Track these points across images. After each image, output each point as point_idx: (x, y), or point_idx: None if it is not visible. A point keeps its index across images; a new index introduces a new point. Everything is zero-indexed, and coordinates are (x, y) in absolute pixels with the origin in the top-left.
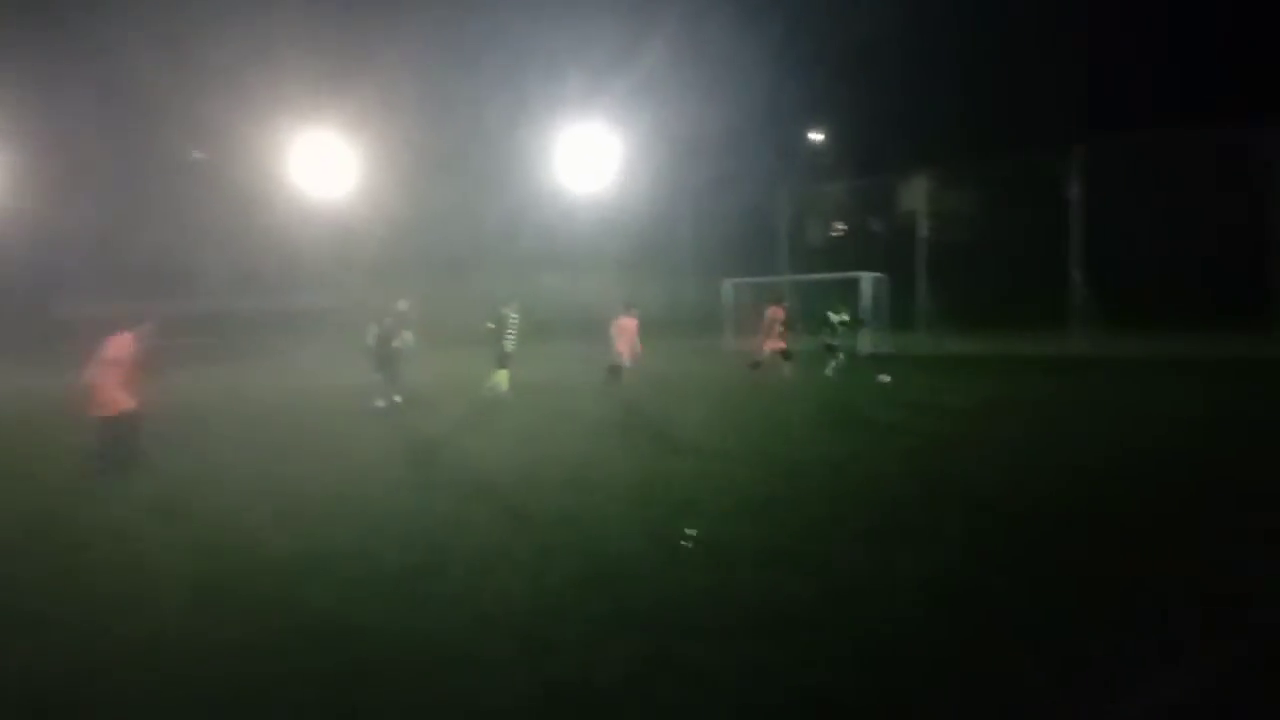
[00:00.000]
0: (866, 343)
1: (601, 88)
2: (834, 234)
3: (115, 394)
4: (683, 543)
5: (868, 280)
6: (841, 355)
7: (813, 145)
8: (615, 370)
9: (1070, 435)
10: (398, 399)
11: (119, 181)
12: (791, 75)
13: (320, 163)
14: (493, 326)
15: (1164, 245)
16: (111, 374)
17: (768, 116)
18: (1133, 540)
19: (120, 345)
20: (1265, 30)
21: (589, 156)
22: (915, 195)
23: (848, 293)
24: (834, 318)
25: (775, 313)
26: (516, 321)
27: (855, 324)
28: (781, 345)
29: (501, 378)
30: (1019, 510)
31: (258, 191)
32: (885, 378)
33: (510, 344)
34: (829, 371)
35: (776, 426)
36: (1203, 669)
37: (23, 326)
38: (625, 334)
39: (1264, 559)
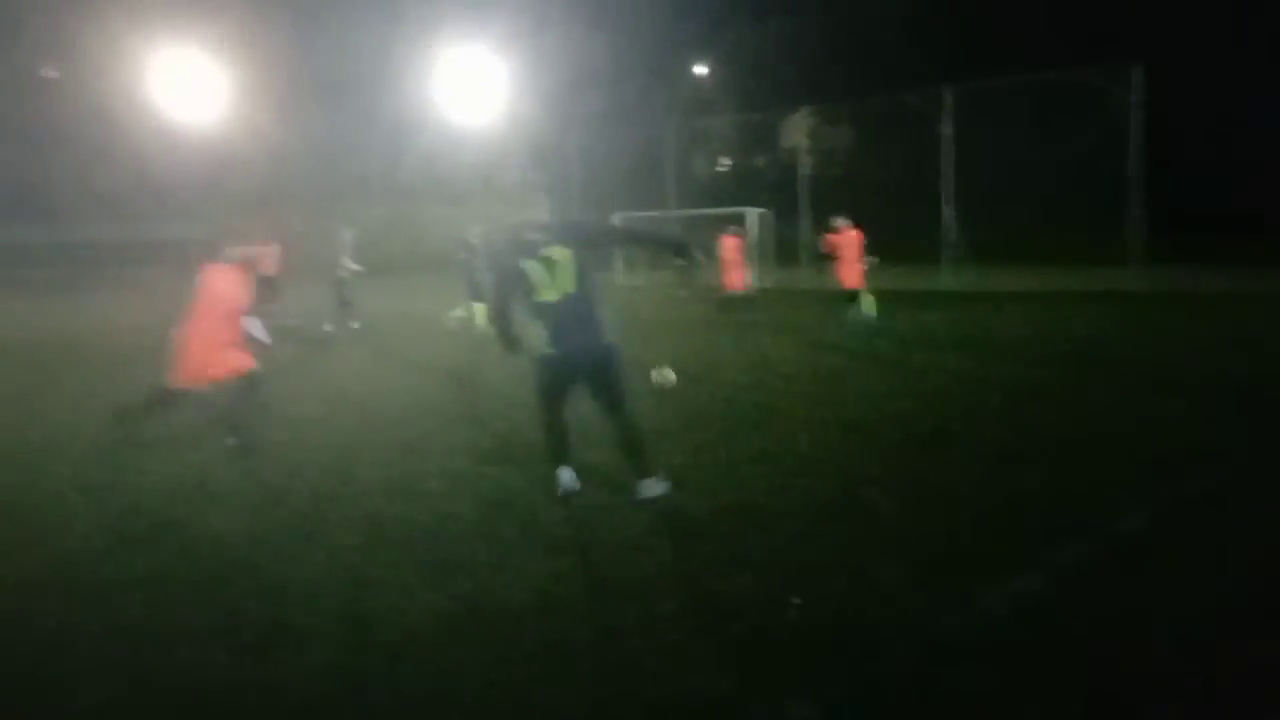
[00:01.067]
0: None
1: (486, 14)
2: (720, 169)
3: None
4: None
5: (753, 216)
6: None
7: (699, 79)
8: (728, 299)
9: (929, 367)
10: (334, 327)
11: None
12: (678, 7)
13: (186, 84)
14: (464, 257)
15: (1031, 182)
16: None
17: (655, 49)
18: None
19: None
20: None
21: (474, 85)
22: (797, 131)
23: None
24: None
25: (732, 242)
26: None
27: None
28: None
29: (481, 312)
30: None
31: (117, 113)
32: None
33: (480, 273)
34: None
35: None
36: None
37: None
38: (731, 256)
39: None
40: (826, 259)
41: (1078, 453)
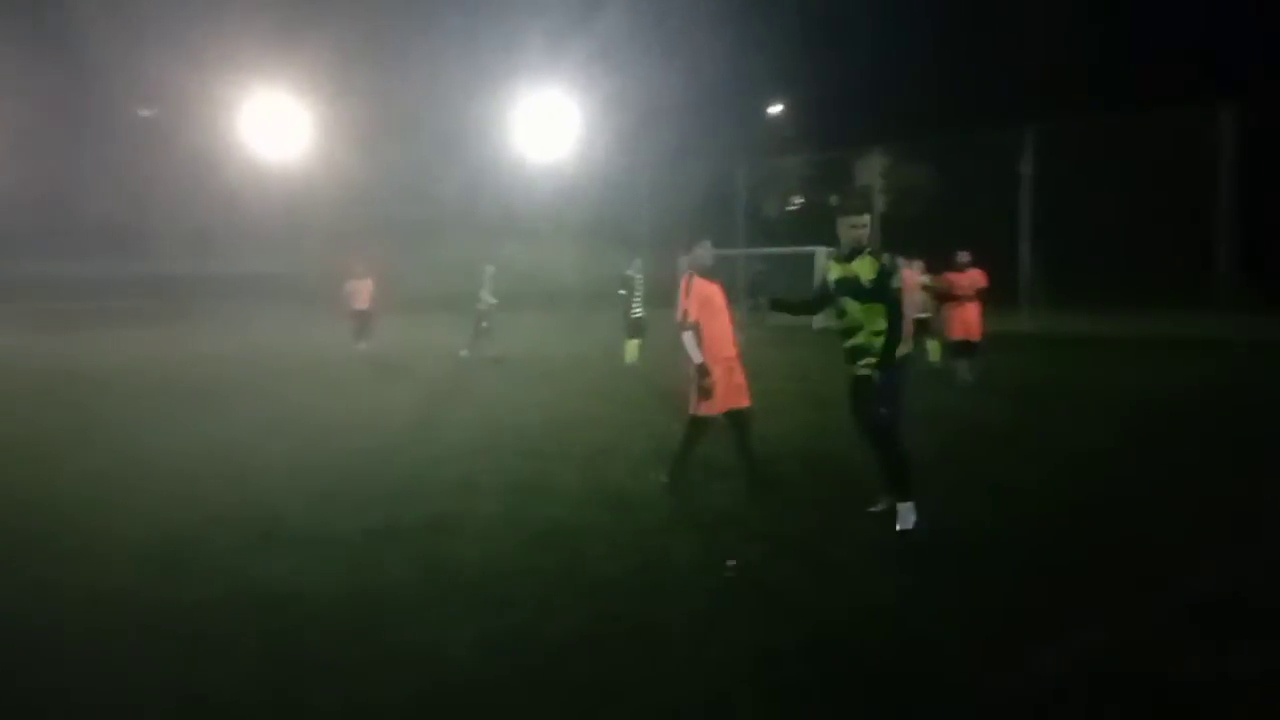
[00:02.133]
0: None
1: (560, 54)
2: (791, 207)
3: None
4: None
5: (822, 255)
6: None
7: (772, 118)
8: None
9: (999, 415)
10: (465, 354)
11: (64, 140)
12: (752, 46)
13: (272, 123)
14: (623, 293)
15: (1113, 224)
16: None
17: (728, 88)
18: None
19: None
20: (1210, 14)
21: (548, 124)
22: (871, 170)
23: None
24: None
25: (977, 274)
26: (642, 284)
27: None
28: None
29: (631, 348)
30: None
31: (208, 151)
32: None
33: (638, 310)
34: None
35: None
36: None
37: None
38: (971, 294)
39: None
40: (942, 300)
41: (1159, 509)
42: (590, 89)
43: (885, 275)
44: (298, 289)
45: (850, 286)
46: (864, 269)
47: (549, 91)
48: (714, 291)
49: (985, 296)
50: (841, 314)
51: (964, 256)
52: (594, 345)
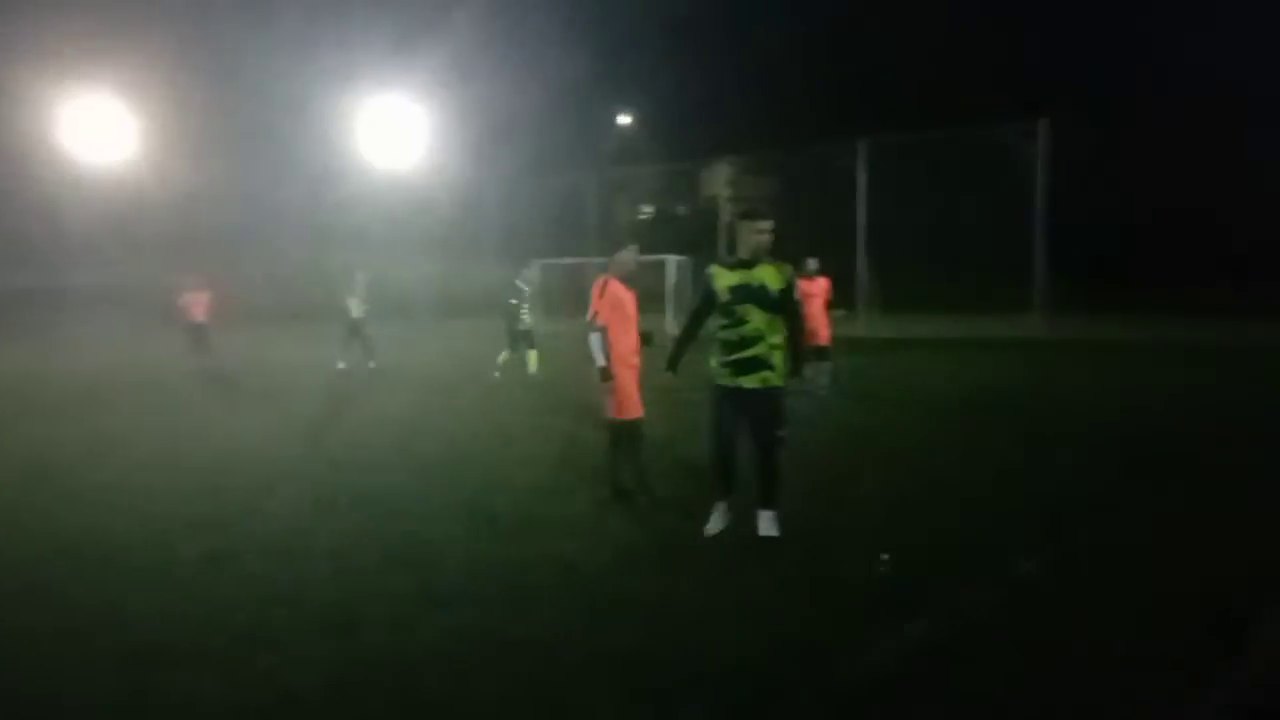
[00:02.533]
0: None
1: (407, 61)
2: (642, 217)
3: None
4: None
5: (672, 263)
6: None
7: (622, 129)
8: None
9: (831, 414)
10: (373, 365)
11: None
12: (603, 58)
13: (96, 127)
14: (514, 302)
15: (943, 232)
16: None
17: (578, 99)
18: None
19: None
20: (1024, 40)
21: (394, 132)
22: (717, 181)
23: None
24: None
25: (823, 283)
26: (529, 295)
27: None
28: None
29: (531, 359)
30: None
31: (24, 155)
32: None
33: (528, 319)
34: None
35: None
36: None
37: None
38: (810, 302)
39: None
40: None
41: (975, 502)
42: (440, 99)
43: (792, 285)
44: (128, 302)
45: (755, 294)
46: (770, 277)
47: (395, 98)
48: (628, 298)
49: (831, 302)
50: (740, 322)
51: (813, 264)
52: (447, 355)
